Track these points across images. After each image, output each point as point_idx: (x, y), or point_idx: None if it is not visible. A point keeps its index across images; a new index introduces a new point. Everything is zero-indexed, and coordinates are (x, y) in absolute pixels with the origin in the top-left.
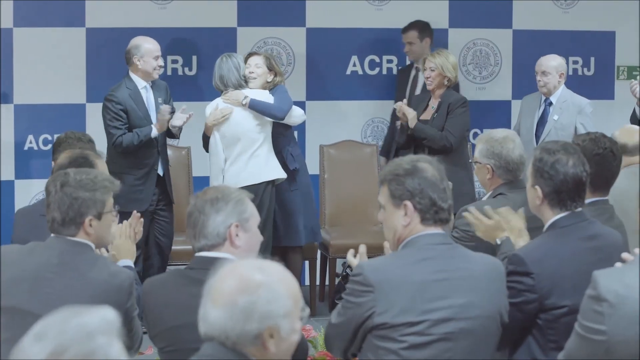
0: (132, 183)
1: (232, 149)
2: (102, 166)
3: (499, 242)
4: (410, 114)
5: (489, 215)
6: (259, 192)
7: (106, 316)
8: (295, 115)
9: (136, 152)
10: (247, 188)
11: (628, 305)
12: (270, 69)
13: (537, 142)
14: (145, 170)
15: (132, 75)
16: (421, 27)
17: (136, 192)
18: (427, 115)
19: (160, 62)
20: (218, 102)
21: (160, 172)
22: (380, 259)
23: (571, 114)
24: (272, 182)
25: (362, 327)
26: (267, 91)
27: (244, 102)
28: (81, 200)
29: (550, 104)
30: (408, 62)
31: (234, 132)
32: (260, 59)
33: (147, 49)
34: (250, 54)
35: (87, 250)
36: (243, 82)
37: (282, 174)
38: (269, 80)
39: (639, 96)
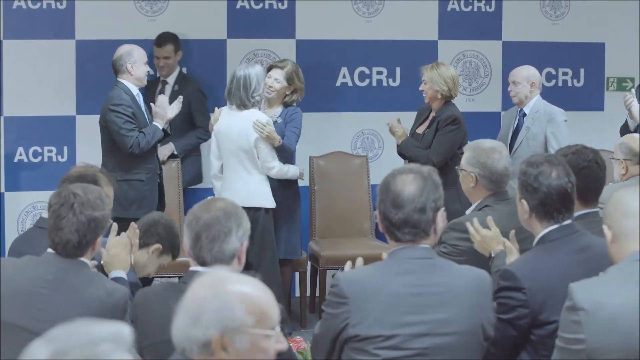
0: (141, 189)
1: (229, 160)
2: (109, 192)
3: (493, 254)
4: (399, 131)
5: (490, 226)
6: (249, 212)
7: (118, 329)
8: None
9: (141, 157)
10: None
11: (604, 312)
12: (290, 83)
13: (510, 153)
14: (150, 175)
15: (125, 83)
16: (175, 40)
17: (145, 197)
18: (422, 129)
19: (148, 68)
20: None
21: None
22: (359, 269)
23: (542, 124)
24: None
25: (338, 339)
26: (277, 113)
27: (276, 144)
28: (98, 220)
29: (524, 114)
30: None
31: (236, 146)
32: (280, 73)
33: (139, 55)
34: (272, 66)
35: (83, 267)
36: (247, 102)
37: (272, 204)
38: (287, 94)
39: (634, 111)
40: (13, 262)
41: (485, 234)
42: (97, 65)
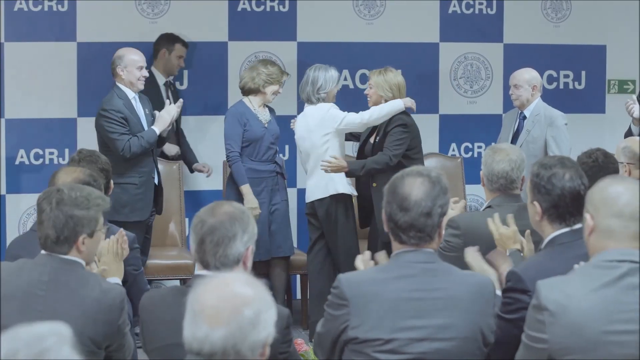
0: (134, 192)
1: (307, 162)
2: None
3: (507, 253)
4: (342, 164)
5: (509, 223)
6: (323, 205)
7: (58, 326)
8: None
9: (135, 160)
10: (316, 202)
11: (568, 314)
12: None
13: None
14: (144, 179)
15: (121, 86)
16: None
17: (138, 201)
18: (373, 138)
19: (144, 72)
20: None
21: (155, 181)
22: (361, 272)
23: (542, 127)
24: (344, 196)
25: (338, 340)
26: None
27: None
28: (77, 218)
29: (525, 117)
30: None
31: (304, 148)
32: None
33: (130, 60)
34: (286, 75)
35: (78, 267)
36: (312, 97)
37: (352, 191)
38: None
39: (636, 115)
40: (8, 265)
41: (503, 232)
42: (98, 68)
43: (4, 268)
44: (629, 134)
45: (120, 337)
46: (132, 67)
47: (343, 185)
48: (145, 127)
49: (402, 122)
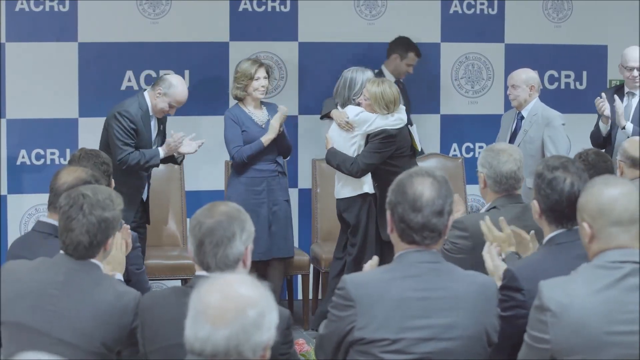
0: None
1: None
2: None
3: (503, 255)
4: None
5: (502, 227)
6: (351, 205)
7: None
8: None
9: (129, 173)
10: (343, 201)
11: (570, 314)
12: (269, 80)
13: None
14: (130, 192)
15: (147, 97)
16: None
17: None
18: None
19: (171, 112)
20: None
21: (143, 196)
22: (365, 273)
23: (539, 127)
24: (369, 196)
25: (343, 341)
26: (267, 113)
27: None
28: (109, 221)
29: (522, 117)
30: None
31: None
32: (264, 71)
33: (173, 93)
34: (261, 64)
35: (95, 269)
36: (348, 102)
37: (371, 189)
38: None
39: (607, 114)
40: (25, 263)
41: (497, 235)
42: (99, 68)
43: (22, 265)
44: (596, 133)
45: (134, 343)
46: (168, 99)
47: (368, 185)
48: (151, 145)
49: (386, 134)
